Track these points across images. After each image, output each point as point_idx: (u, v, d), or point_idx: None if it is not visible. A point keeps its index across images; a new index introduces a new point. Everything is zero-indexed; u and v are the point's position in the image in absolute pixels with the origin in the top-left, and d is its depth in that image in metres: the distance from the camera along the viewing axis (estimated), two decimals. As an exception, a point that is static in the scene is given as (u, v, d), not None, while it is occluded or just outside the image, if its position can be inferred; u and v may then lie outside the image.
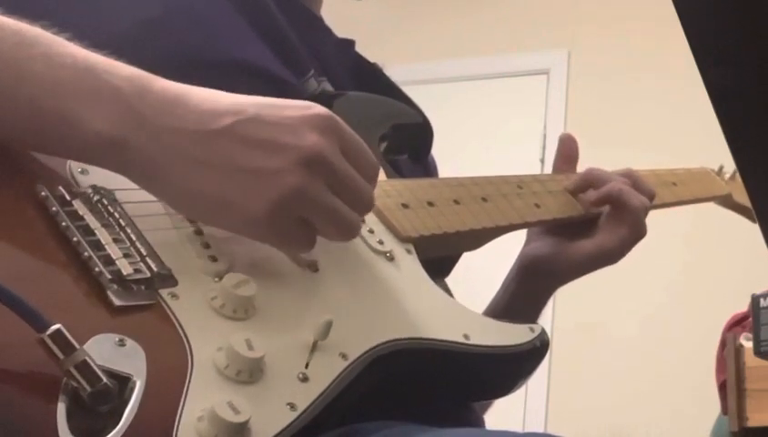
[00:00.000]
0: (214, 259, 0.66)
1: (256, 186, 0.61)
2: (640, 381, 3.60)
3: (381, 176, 0.79)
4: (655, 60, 3.82)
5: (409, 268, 0.78)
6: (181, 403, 0.55)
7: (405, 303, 0.73)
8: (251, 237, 0.65)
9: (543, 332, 0.80)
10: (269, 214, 0.62)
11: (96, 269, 0.59)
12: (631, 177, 1.03)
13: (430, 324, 0.73)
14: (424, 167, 1.02)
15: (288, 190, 0.62)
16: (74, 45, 0.63)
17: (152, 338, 0.58)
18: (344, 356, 0.65)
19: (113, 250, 0.61)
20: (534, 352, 0.79)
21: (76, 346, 0.52)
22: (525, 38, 4.22)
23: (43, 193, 0.62)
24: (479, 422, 0.90)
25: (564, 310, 3.52)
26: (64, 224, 0.61)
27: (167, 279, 0.62)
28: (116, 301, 0.58)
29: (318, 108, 0.65)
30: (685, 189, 1.20)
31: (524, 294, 1.00)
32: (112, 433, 0.52)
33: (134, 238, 0.63)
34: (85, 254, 0.60)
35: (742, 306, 2.37)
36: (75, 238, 0.61)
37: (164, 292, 0.61)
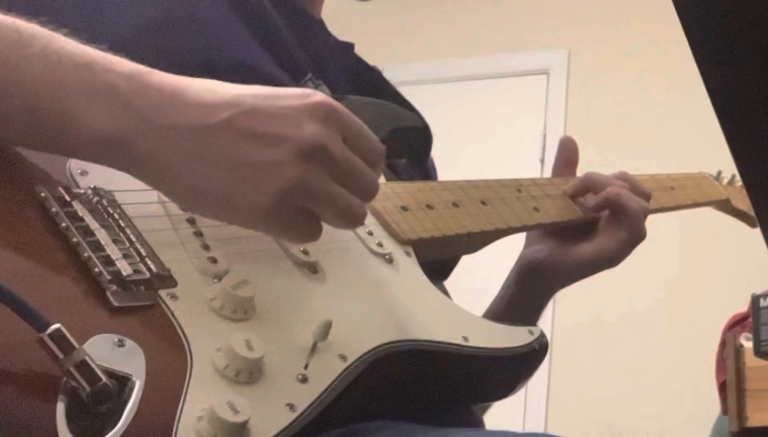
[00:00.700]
0: (213, 260, 0.66)
1: (256, 179, 0.61)
2: (640, 382, 3.60)
3: (380, 179, 0.79)
4: (655, 60, 3.82)
5: (408, 270, 0.78)
6: (180, 403, 0.55)
7: (404, 305, 0.73)
8: (255, 229, 0.64)
9: (542, 335, 0.80)
10: (272, 207, 0.61)
11: (96, 269, 0.59)
12: (628, 180, 1.03)
13: (429, 326, 0.73)
14: (423, 170, 1.02)
15: (289, 182, 0.61)
16: (72, 41, 0.63)
17: (151, 338, 0.58)
18: (343, 357, 0.65)
19: (112, 251, 0.61)
20: (533, 355, 0.79)
21: (76, 346, 0.52)
22: (525, 38, 4.22)
23: (42, 194, 0.62)
24: (478, 423, 0.90)
25: (564, 310, 3.52)
26: (63, 225, 0.61)
27: (167, 279, 0.62)
28: (116, 302, 0.58)
29: (318, 96, 0.64)
30: (683, 194, 1.20)
31: (523, 297, 1.00)
32: (111, 433, 0.52)
33: (133, 238, 0.63)
34: (85, 254, 0.60)
35: (742, 306, 2.37)
36: (74, 239, 0.61)
37: (163, 293, 0.61)
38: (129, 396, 0.54)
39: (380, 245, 0.78)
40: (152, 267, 0.62)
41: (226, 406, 0.55)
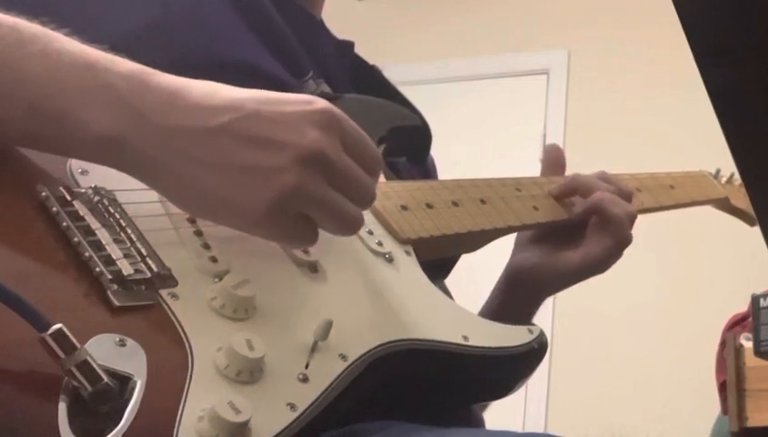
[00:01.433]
0: (214, 259, 0.66)
1: (254, 184, 0.61)
2: (640, 381, 3.60)
3: (380, 178, 0.79)
4: (655, 60, 3.82)
5: (408, 269, 0.78)
6: (182, 403, 0.55)
7: (404, 305, 0.73)
8: (252, 234, 0.65)
9: (542, 334, 0.80)
10: (269, 212, 0.62)
11: (97, 269, 0.59)
12: (610, 181, 1.02)
13: (429, 325, 0.73)
14: (423, 169, 1.02)
15: (287, 188, 0.61)
16: (72, 41, 0.63)
17: (152, 338, 0.58)
18: (344, 357, 0.65)
19: (113, 251, 0.61)
20: (532, 354, 0.79)
21: (77, 345, 0.52)
22: (525, 38, 4.22)
23: (43, 193, 0.62)
24: (478, 422, 0.90)
25: (564, 310, 3.52)
26: (64, 224, 0.61)
27: (168, 279, 0.62)
28: (117, 301, 0.58)
29: (320, 103, 0.64)
30: (683, 192, 1.20)
31: (513, 304, 1.00)
32: (113, 433, 0.52)
33: (134, 238, 0.63)
34: (86, 254, 0.60)
35: (742, 306, 2.37)
36: (75, 239, 0.61)
37: (164, 293, 0.61)
38: (131, 396, 0.54)
39: (380, 244, 0.78)
40: (153, 266, 0.62)
41: (227, 406, 0.55)
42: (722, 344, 2.58)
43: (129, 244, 0.62)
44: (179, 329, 0.60)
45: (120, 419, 0.53)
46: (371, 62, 1.03)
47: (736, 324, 2.58)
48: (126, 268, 0.60)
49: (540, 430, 3.63)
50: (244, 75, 0.79)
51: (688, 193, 1.22)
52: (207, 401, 0.55)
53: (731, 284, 3.12)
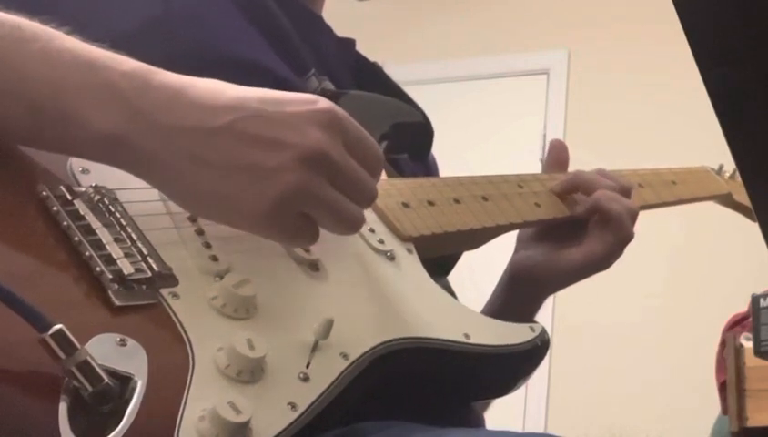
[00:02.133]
0: (215, 258, 0.66)
1: (256, 183, 0.61)
2: (640, 381, 3.60)
3: (382, 175, 0.79)
4: (655, 60, 3.82)
5: (409, 267, 0.78)
6: (182, 403, 0.55)
7: (406, 303, 0.73)
8: (253, 233, 0.64)
9: (543, 331, 0.80)
10: (270, 211, 0.62)
11: (98, 268, 0.59)
12: (611, 178, 1.01)
13: (431, 324, 0.73)
14: (425, 166, 1.02)
15: (289, 188, 0.61)
16: (73, 39, 0.62)
17: (153, 338, 0.58)
18: (345, 356, 0.65)
19: (114, 250, 0.61)
20: (535, 352, 0.79)
21: (78, 346, 0.52)
22: (525, 38, 4.22)
23: (44, 193, 0.62)
24: (479, 422, 0.90)
25: (564, 310, 3.52)
26: (65, 223, 0.61)
27: (168, 278, 0.62)
28: (117, 301, 0.58)
29: (323, 103, 0.64)
30: (685, 188, 1.20)
31: (514, 303, 1.00)
32: (113, 433, 0.52)
33: (135, 237, 0.63)
34: (87, 254, 0.60)
35: (742, 306, 2.37)
36: (76, 238, 0.61)
37: (165, 292, 0.61)
38: (131, 396, 0.54)
39: (382, 242, 0.78)
40: (153, 266, 0.62)
41: (227, 406, 0.55)
42: (722, 344, 2.58)
43: (130, 243, 0.62)
44: (180, 328, 0.59)
45: (121, 419, 0.52)
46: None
47: (736, 324, 2.57)
48: (126, 267, 0.60)
49: (540, 430, 3.63)
50: (246, 72, 0.79)
51: (690, 189, 1.21)
52: (208, 401, 0.55)
53: (731, 284, 3.12)
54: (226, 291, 0.63)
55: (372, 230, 0.78)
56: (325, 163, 0.62)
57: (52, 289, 0.58)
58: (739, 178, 1.29)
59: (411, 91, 1.00)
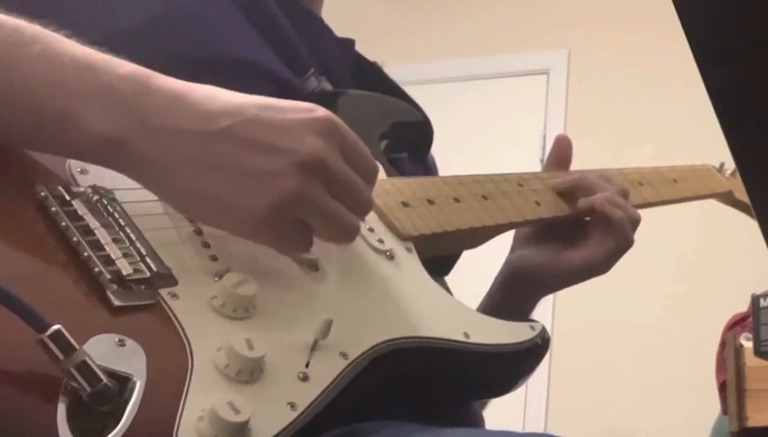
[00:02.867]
0: (214, 258, 0.66)
1: (252, 188, 0.61)
2: (640, 381, 3.60)
3: (381, 174, 0.79)
4: (655, 60, 3.82)
5: (409, 266, 0.78)
6: (181, 403, 0.55)
7: (405, 302, 0.73)
8: (248, 238, 0.65)
9: (544, 330, 0.80)
10: (266, 216, 0.62)
11: (96, 269, 0.59)
12: (611, 181, 1.01)
13: (431, 323, 0.73)
14: (424, 165, 1.02)
15: (285, 194, 0.61)
16: (73, 42, 0.63)
17: (152, 338, 0.58)
18: (344, 355, 0.65)
19: (112, 250, 0.61)
20: (535, 350, 0.79)
21: (76, 346, 0.52)
22: (525, 38, 4.22)
23: (42, 193, 0.62)
24: (479, 421, 0.90)
25: (564, 310, 3.52)
26: (63, 224, 0.61)
27: (167, 278, 0.62)
28: (116, 301, 0.58)
29: (321, 111, 0.65)
30: (686, 186, 1.19)
31: (509, 302, 1.00)
32: (112, 433, 0.52)
33: (133, 237, 0.63)
34: (85, 254, 0.60)
35: (742, 306, 2.37)
36: (74, 238, 0.61)
37: (164, 292, 0.61)
38: (130, 396, 0.54)
39: (381, 241, 0.78)
40: (152, 266, 0.61)
41: (226, 406, 0.55)
42: (722, 344, 2.58)
43: (128, 243, 0.62)
44: (179, 328, 0.59)
45: (120, 419, 0.52)
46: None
47: (736, 324, 2.57)
48: (125, 267, 0.60)
49: (540, 430, 3.63)
50: (245, 71, 0.80)
51: (691, 187, 1.21)
52: (207, 401, 0.55)
53: (731, 284, 3.12)
54: (225, 291, 0.63)
55: (372, 230, 0.78)
56: (322, 170, 0.63)
57: (50, 289, 0.58)
58: (740, 177, 1.29)
59: (411, 91, 0.99)
